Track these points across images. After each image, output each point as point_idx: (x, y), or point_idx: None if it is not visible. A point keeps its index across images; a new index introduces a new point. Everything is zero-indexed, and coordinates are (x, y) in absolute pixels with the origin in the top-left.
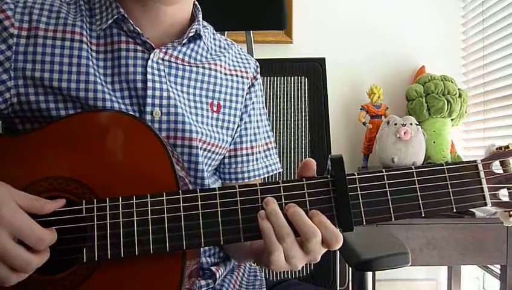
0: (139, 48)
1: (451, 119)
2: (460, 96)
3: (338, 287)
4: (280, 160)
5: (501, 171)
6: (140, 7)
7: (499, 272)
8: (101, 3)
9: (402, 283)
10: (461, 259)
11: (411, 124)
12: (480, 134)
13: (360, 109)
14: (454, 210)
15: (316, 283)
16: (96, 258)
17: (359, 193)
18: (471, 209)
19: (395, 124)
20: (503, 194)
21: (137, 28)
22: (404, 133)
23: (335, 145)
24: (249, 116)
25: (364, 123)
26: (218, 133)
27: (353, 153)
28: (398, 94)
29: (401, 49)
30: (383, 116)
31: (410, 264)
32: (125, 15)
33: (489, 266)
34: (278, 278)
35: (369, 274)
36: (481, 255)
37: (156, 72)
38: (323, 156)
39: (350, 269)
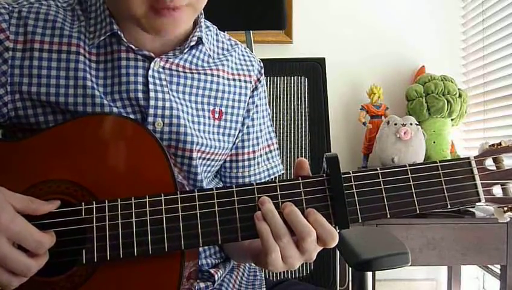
0: (139, 57)
1: (451, 119)
2: (460, 96)
3: (338, 287)
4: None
5: (494, 168)
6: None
7: (499, 272)
8: (97, 13)
9: (402, 283)
10: (461, 259)
11: (411, 124)
12: (480, 134)
13: (360, 109)
14: (449, 206)
15: (316, 283)
16: (95, 260)
17: (354, 190)
18: (471, 209)
19: (395, 124)
20: (497, 191)
21: (131, 46)
22: (404, 133)
23: (335, 145)
24: (252, 120)
25: (364, 123)
26: (219, 141)
27: (353, 153)
28: (398, 94)
29: (401, 49)
30: (383, 116)
31: (410, 264)
32: (119, 32)
33: (489, 266)
34: (278, 278)
35: (369, 274)
36: (481, 255)
37: (157, 81)
38: (323, 156)
39: (350, 269)
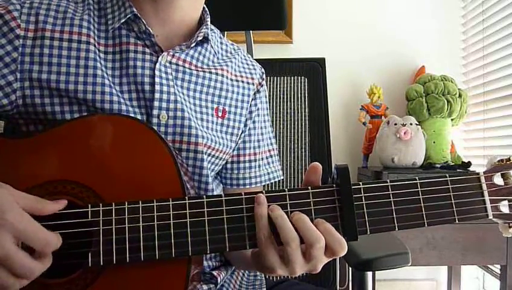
0: (147, 50)
1: (451, 119)
2: (460, 96)
3: (338, 287)
4: (280, 160)
5: (502, 184)
6: (152, 6)
7: (499, 272)
8: (113, 2)
9: (402, 283)
10: (461, 259)
11: (411, 124)
12: (480, 134)
13: (360, 109)
14: (457, 221)
15: (316, 283)
16: (101, 263)
17: (364, 202)
18: None
19: (395, 124)
20: (504, 206)
21: (148, 28)
22: (404, 133)
23: (335, 145)
24: (254, 122)
25: (364, 123)
26: (222, 138)
27: (353, 153)
28: (398, 94)
29: (401, 49)
30: (383, 116)
31: (410, 264)
32: (138, 14)
33: (489, 266)
34: (278, 278)
35: (369, 274)
36: (481, 255)
37: (163, 75)
38: (323, 156)
39: (350, 269)
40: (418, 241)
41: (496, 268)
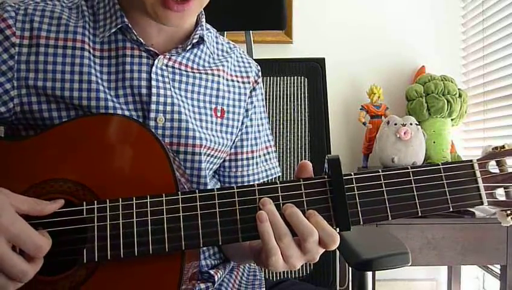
0: (143, 54)
1: (451, 119)
2: (460, 96)
3: (338, 287)
4: (279, 160)
5: (497, 171)
6: (147, 17)
7: (499, 272)
8: (106, 9)
9: (402, 283)
10: (461, 259)
11: (411, 124)
12: (480, 134)
13: (360, 109)
14: (451, 209)
15: (316, 283)
16: (96, 259)
17: (356, 192)
18: (471, 209)
19: (395, 124)
20: (500, 194)
21: (140, 39)
22: (404, 133)
23: (335, 145)
24: (250, 120)
25: (364, 123)
26: (222, 138)
27: (353, 153)
28: (398, 94)
29: (401, 49)
30: (383, 116)
31: (410, 264)
32: (129, 25)
33: (489, 266)
34: (278, 278)
35: (369, 274)
36: (481, 255)
37: (160, 78)
38: (323, 156)
39: (350, 269)
40: (418, 241)
41: (496, 268)
